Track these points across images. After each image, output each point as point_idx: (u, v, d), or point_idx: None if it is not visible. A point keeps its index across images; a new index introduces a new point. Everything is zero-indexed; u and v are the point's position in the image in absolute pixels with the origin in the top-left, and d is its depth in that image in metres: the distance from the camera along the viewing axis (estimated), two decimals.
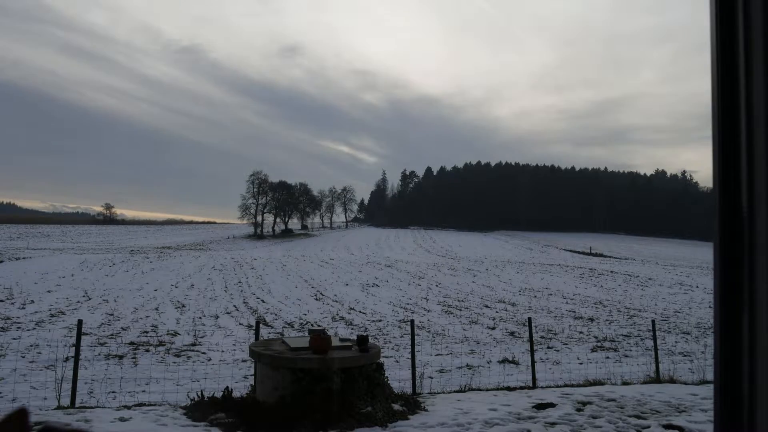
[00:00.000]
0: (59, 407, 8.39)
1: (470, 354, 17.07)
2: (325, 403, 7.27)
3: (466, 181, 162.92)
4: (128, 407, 8.28)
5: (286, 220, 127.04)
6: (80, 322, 9.68)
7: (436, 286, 41.51)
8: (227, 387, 8.45)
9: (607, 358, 16.77)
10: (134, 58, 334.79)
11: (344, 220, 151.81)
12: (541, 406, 8.27)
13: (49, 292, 30.44)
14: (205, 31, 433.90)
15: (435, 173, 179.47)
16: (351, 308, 29.09)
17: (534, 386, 10.65)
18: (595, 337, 20.99)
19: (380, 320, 25.12)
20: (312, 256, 66.90)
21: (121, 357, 15.17)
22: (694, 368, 13.13)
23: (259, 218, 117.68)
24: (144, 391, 10.74)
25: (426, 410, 8.09)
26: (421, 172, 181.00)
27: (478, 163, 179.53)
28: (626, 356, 17.08)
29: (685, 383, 10.93)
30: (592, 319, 26.53)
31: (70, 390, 8.70)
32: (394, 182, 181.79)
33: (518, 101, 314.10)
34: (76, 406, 8.55)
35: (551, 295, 37.40)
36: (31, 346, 15.97)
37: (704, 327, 24.54)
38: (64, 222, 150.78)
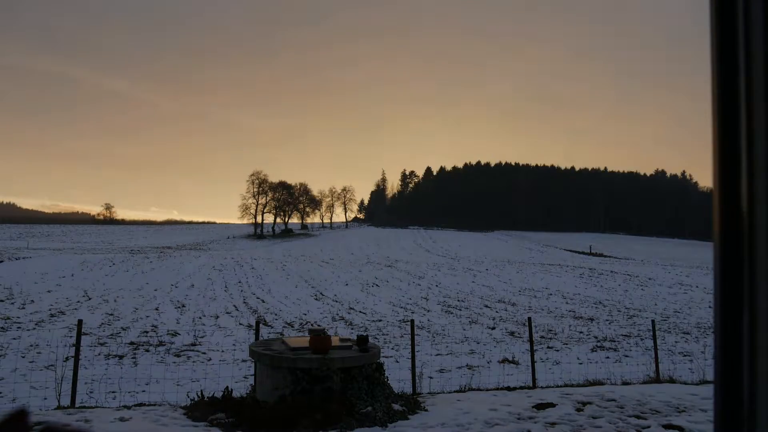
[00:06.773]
0: (59, 407, 8.39)
1: (470, 354, 17.08)
2: (325, 403, 7.27)
3: (466, 181, 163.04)
4: (128, 407, 8.28)
5: (286, 220, 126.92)
6: (80, 322, 9.67)
7: (436, 286, 41.51)
8: (227, 387, 8.44)
9: (607, 358, 16.78)
10: None
11: (344, 220, 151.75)
12: (541, 406, 8.27)
13: (49, 292, 30.45)
14: None
15: (435, 173, 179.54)
16: (351, 308, 29.10)
17: (534, 386, 10.65)
18: (595, 337, 20.99)
19: (380, 320, 25.13)
20: (312, 256, 66.92)
21: (121, 357, 15.19)
22: (694, 368, 13.12)
23: (259, 218, 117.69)
24: (144, 391, 10.73)
25: (426, 410, 8.09)
26: (421, 172, 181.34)
27: (478, 163, 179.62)
28: (626, 356, 17.09)
29: (685, 383, 10.92)
30: (592, 319, 26.53)
31: (70, 390, 8.70)
32: (393, 182, 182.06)
33: None
34: (76, 406, 8.55)
35: (551, 295, 37.41)
36: (31, 346, 15.98)
37: (704, 327, 24.53)
38: (64, 222, 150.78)
